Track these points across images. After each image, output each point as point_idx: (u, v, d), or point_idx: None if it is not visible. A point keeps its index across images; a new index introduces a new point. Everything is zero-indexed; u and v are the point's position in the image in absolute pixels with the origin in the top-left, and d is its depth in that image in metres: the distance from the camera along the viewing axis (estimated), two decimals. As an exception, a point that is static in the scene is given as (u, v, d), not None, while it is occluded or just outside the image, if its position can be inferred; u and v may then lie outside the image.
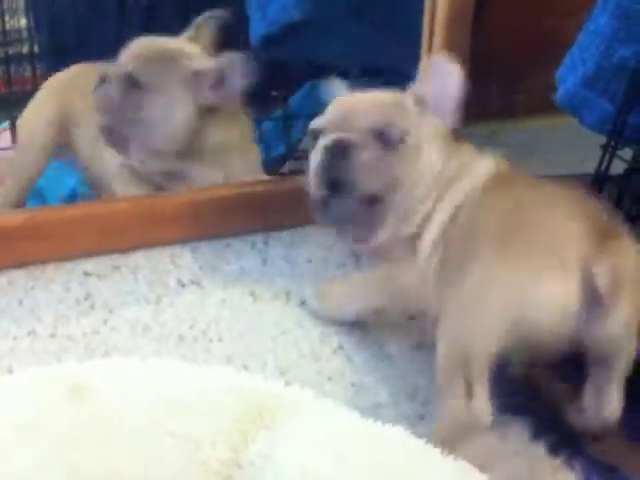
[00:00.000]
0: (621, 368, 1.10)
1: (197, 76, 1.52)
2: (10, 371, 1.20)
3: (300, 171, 1.85)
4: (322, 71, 2.03)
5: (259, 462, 0.93)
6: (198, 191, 1.57)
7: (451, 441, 1.08)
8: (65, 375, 1.04)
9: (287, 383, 1.14)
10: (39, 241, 1.45)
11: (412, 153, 1.24)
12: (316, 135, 1.26)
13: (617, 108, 1.35)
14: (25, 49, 2.33)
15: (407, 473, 0.95)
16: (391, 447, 1.00)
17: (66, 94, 1.83)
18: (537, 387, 1.18)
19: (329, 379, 1.23)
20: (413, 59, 1.62)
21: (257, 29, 1.87)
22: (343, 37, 1.89)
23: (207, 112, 1.54)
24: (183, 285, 1.45)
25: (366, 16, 1.87)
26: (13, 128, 2.17)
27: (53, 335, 1.31)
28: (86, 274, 1.46)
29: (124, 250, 1.51)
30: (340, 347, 1.30)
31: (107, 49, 1.95)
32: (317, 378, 1.23)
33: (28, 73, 2.31)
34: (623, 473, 1.06)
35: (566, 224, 1.09)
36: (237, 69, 1.54)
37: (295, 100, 2.09)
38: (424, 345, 1.31)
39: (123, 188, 1.65)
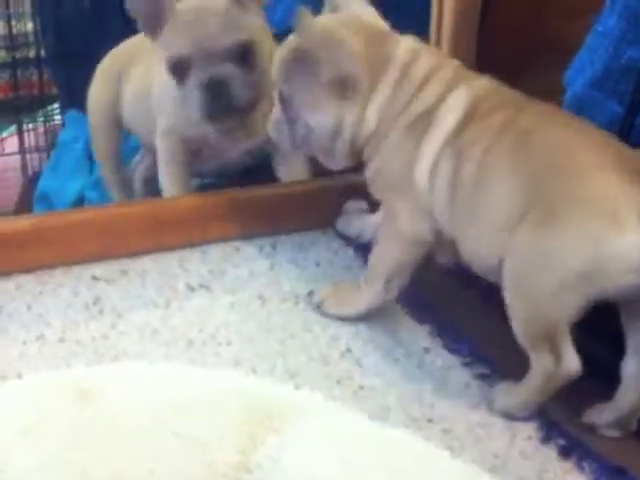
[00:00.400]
0: None
1: None
2: (19, 376, 1.20)
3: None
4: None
5: (267, 466, 0.93)
6: (206, 195, 1.57)
7: (544, 397, 1.13)
8: (73, 380, 1.04)
9: (296, 386, 1.14)
10: (47, 246, 1.46)
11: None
12: None
13: (626, 109, 1.35)
14: (32, 53, 2.33)
15: (415, 476, 0.95)
16: (399, 450, 1.00)
17: (119, 68, 1.84)
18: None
19: (338, 382, 1.23)
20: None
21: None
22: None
23: None
24: (192, 289, 1.45)
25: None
26: (20, 133, 2.18)
27: (62, 340, 1.31)
28: (94, 279, 1.46)
29: (132, 254, 1.51)
30: (348, 350, 1.30)
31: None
32: (326, 381, 1.23)
33: (35, 77, 2.32)
34: (633, 474, 1.06)
35: (605, 166, 1.09)
36: None
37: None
38: (432, 349, 1.31)
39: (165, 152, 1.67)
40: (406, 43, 1.30)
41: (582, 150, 1.13)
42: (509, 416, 1.15)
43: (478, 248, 1.19)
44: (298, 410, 1.02)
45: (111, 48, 1.94)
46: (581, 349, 1.11)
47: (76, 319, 1.36)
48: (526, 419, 1.14)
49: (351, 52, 1.25)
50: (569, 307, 1.08)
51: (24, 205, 2.13)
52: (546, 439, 1.11)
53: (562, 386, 1.12)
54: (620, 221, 1.05)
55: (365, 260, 1.40)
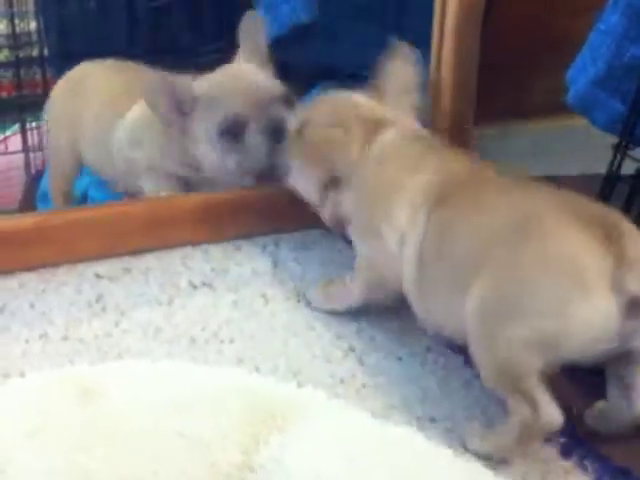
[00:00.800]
0: None
1: None
2: (22, 374, 1.20)
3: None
4: (332, 73, 2.03)
5: (271, 465, 0.94)
6: (209, 193, 1.57)
7: (523, 446, 1.08)
8: (76, 378, 1.04)
9: (299, 385, 1.14)
10: (50, 244, 1.46)
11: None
12: None
13: (628, 108, 1.35)
14: (35, 52, 2.33)
15: (418, 475, 0.95)
16: (402, 449, 1.00)
17: (75, 96, 1.85)
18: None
19: (341, 381, 1.23)
20: (423, 61, 1.62)
21: (267, 31, 1.87)
22: (352, 39, 1.89)
23: None
24: (194, 287, 1.45)
25: (376, 19, 1.88)
26: (23, 131, 2.18)
27: (65, 338, 1.31)
28: (97, 276, 1.46)
29: (135, 252, 1.51)
30: (351, 349, 1.30)
31: (116, 52, 1.96)
32: (329, 380, 1.23)
33: (38, 76, 2.31)
34: (636, 475, 1.06)
35: (573, 234, 1.04)
36: None
37: (306, 102, 2.09)
38: (435, 348, 1.31)
39: (153, 187, 1.68)
40: (389, 134, 1.32)
41: (546, 209, 1.08)
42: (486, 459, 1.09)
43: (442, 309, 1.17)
44: (301, 409, 1.02)
45: (114, 47, 1.95)
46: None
47: (79, 317, 1.36)
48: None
49: (344, 158, 1.31)
50: (533, 364, 1.03)
51: (27, 203, 2.13)
52: (548, 438, 1.11)
53: (542, 437, 1.08)
54: (587, 284, 1.00)
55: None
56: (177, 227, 1.53)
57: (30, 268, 1.46)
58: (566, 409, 1.05)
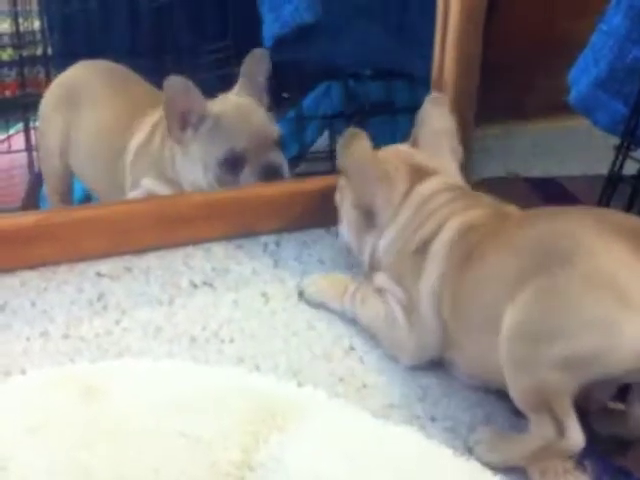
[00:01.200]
0: None
1: None
2: (23, 372, 1.20)
3: (313, 173, 1.87)
4: (335, 73, 2.04)
5: (270, 464, 0.94)
6: (210, 193, 1.57)
7: (534, 463, 1.07)
8: (77, 376, 1.05)
9: (299, 384, 1.14)
10: (51, 242, 1.46)
11: None
12: None
13: (630, 109, 1.35)
14: (39, 51, 2.33)
15: (418, 474, 0.95)
16: (402, 448, 1.00)
17: (67, 104, 1.86)
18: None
19: (341, 380, 1.23)
20: (425, 61, 1.62)
21: (270, 31, 1.87)
22: (355, 39, 1.89)
23: None
24: (195, 286, 1.45)
25: (378, 19, 1.88)
26: (27, 130, 2.18)
27: (66, 336, 1.31)
28: (99, 275, 1.46)
29: (136, 251, 1.52)
30: (352, 348, 1.30)
31: (119, 51, 1.96)
32: (329, 379, 1.23)
33: (42, 75, 2.31)
34: (635, 475, 1.06)
35: (611, 250, 1.03)
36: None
37: (308, 101, 2.09)
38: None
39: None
40: (431, 183, 1.33)
41: (582, 228, 1.07)
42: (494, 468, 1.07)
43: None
44: (301, 408, 1.02)
45: (117, 46, 1.94)
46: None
47: (80, 315, 1.36)
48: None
49: (386, 194, 1.33)
50: (569, 385, 1.01)
51: (30, 202, 2.13)
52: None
53: (559, 458, 1.08)
54: (630, 302, 0.98)
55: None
56: (178, 226, 1.53)
57: (31, 266, 1.46)
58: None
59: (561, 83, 1.45)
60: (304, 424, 0.99)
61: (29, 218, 1.50)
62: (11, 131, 2.37)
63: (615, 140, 1.40)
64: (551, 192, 1.74)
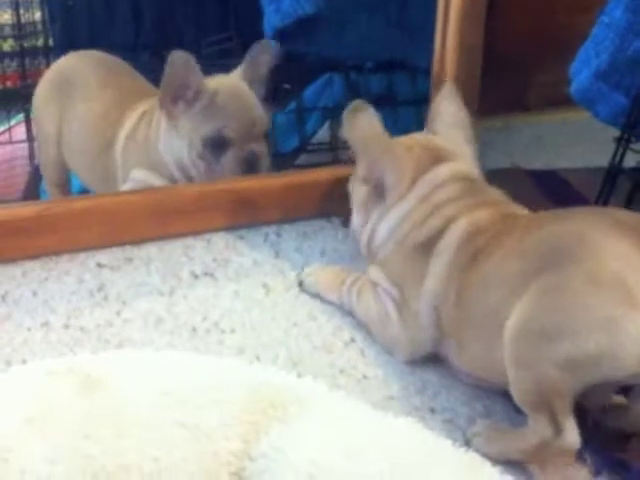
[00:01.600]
0: None
1: None
2: (24, 362, 1.21)
3: (314, 164, 1.86)
4: (336, 64, 2.04)
5: (271, 454, 0.94)
6: (210, 183, 1.57)
7: (530, 459, 1.08)
8: (78, 367, 1.05)
9: (299, 375, 1.15)
10: (52, 233, 1.46)
11: None
12: None
13: (631, 101, 1.35)
14: (40, 42, 2.33)
15: (418, 465, 0.95)
16: (402, 440, 1.00)
17: (60, 95, 1.86)
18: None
19: (341, 372, 1.24)
20: (426, 54, 1.62)
21: (271, 22, 1.87)
22: (356, 31, 1.89)
23: None
24: (196, 277, 1.45)
25: (379, 10, 1.88)
26: (28, 121, 2.17)
27: (66, 326, 1.31)
28: (99, 266, 1.47)
29: (137, 242, 1.52)
30: (352, 340, 1.31)
31: (121, 42, 1.96)
32: (329, 371, 1.24)
33: (43, 66, 2.31)
34: (634, 467, 1.06)
35: (617, 249, 1.03)
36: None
37: (309, 93, 2.09)
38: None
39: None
40: (446, 169, 1.31)
41: (588, 227, 1.07)
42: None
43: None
44: (301, 399, 1.02)
45: (119, 37, 1.94)
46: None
47: (81, 306, 1.36)
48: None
49: (392, 163, 1.30)
50: (571, 384, 1.02)
51: (31, 193, 2.13)
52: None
53: (557, 456, 1.07)
54: (635, 302, 0.99)
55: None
56: (179, 217, 1.53)
57: (33, 257, 1.47)
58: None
59: (562, 76, 1.45)
60: (304, 415, 0.99)
61: (30, 209, 1.50)
62: (12, 122, 2.36)
63: (616, 132, 1.40)
64: (552, 184, 1.74)
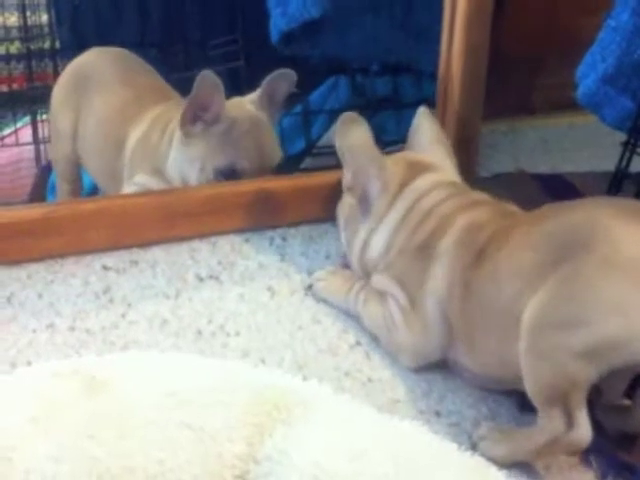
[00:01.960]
0: None
1: None
2: (29, 363, 1.21)
3: (320, 167, 1.86)
4: (342, 67, 2.04)
5: (275, 457, 0.94)
6: (216, 187, 1.57)
7: (539, 458, 1.08)
8: (83, 369, 1.05)
9: (304, 378, 1.14)
10: (58, 235, 1.46)
11: None
12: None
13: (638, 105, 1.35)
14: (47, 45, 2.33)
15: (423, 469, 0.95)
16: (407, 443, 1.00)
17: (78, 89, 1.86)
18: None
19: (346, 374, 1.24)
20: (432, 56, 1.62)
21: (277, 26, 1.87)
22: (362, 34, 1.89)
23: None
24: (201, 280, 1.45)
25: (385, 13, 1.88)
26: (34, 123, 2.18)
27: (72, 329, 1.32)
28: (105, 268, 1.47)
29: (143, 245, 1.52)
30: (358, 343, 1.31)
31: (127, 44, 1.97)
32: (334, 373, 1.24)
33: (49, 69, 2.31)
34: (640, 470, 1.06)
35: (631, 235, 1.02)
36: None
37: (315, 96, 2.09)
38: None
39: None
40: (429, 177, 1.33)
41: (599, 215, 1.07)
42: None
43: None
44: (306, 402, 1.02)
45: (126, 39, 1.94)
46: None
47: (86, 308, 1.37)
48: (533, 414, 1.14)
49: (379, 171, 1.32)
50: (589, 374, 1.01)
51: (38, 195, 2.14)
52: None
53: (565, 453, 1.08)
54: None
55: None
56: (185, 220, 1.53)
57: (38, 259, 1.47)
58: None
59: (568, 79, 1.45)
60: (309, 417, 0.99)
61: (36, 211, 1.50)
62: (19, 124, 2.37)
63: (622, 136, 1.40)
64: (558, 188, 1.74)
